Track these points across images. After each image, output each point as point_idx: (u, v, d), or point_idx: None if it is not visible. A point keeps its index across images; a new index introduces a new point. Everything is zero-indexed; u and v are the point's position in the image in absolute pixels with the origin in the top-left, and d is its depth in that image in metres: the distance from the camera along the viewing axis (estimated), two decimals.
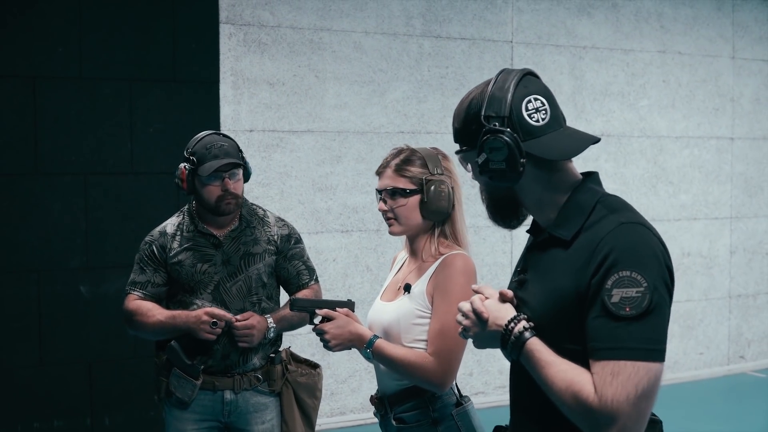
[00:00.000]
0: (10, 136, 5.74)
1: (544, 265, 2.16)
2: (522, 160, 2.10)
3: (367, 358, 3.04)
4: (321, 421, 6.66)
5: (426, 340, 2.96)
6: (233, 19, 6.35)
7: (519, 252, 7.31)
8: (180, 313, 3.63)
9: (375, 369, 3.17)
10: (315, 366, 3.95)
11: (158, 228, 3.84)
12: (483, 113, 2.13)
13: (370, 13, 6.82)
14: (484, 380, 7.34)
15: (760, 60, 8.65)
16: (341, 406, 6.80)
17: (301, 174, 6.58)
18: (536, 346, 2.04)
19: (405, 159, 3.10)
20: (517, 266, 2.33)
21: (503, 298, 2.18)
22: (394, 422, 3.06)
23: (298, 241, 3.93)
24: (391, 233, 3.14)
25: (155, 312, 3.68)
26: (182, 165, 3.71)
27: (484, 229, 7.20)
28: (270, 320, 3.71)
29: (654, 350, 1.91)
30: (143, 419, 6.08)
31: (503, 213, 2.26)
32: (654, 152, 8.01)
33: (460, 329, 2.23)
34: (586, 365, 1.97)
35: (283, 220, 3.94)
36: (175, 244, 3.74)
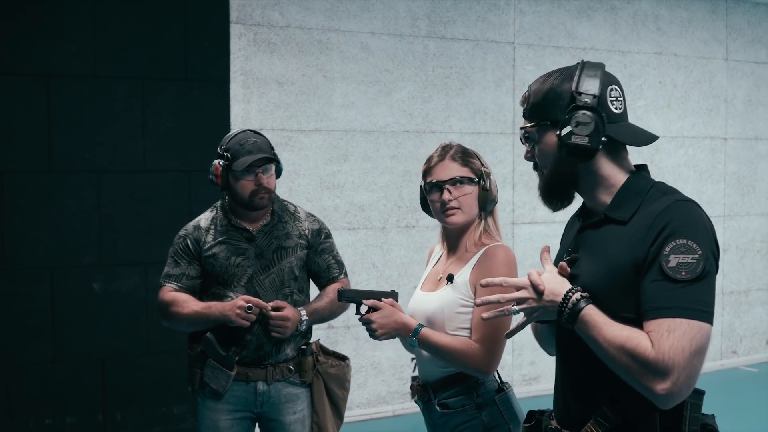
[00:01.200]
0: (25, 134, 5.77)
1: (598, 243, 2.29)
2: (603, 139, 2.23)
3: (412, 345, 3.15)
4: None
5: (469, 328, 3.08)
6: (243, 19, 6.41)
7: (522, 249, 7.42)
8: (215, 304, 3.72)
9: (417, 357, 3.28)
10: (344, 358, 4.05)
11: (192, 222, 3.92)
12: (575, 89, 2.25)
13: (377, 14, 6.89)
14: None
15: (753, 62, 8.80)
16: (348, 402, 6.86)
17: (309, 172, 6.65)
18: (592, 311, 2.16)
19: (464, 151, 3.23)
20: (566, 248, 2.44)
21: (562, 273, 2.30)
22: (438, 408, 3.16)
23: (328, 236, 4.03)
24: (452, 223, 3.22)
25: (190, 303, 3.76)
26: (216, 161, 3.80)
27: None
28: (303, 313, 3.81)
29: (706, 312, 2.05)
30: (155, 415, 6.13)
31: (557, 192, 2.37)
32: (650, 152, 8.12)
33: (513, 305, 2.31)
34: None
35: (313, 216, 4.04)
36: (209, 238, 3.82)
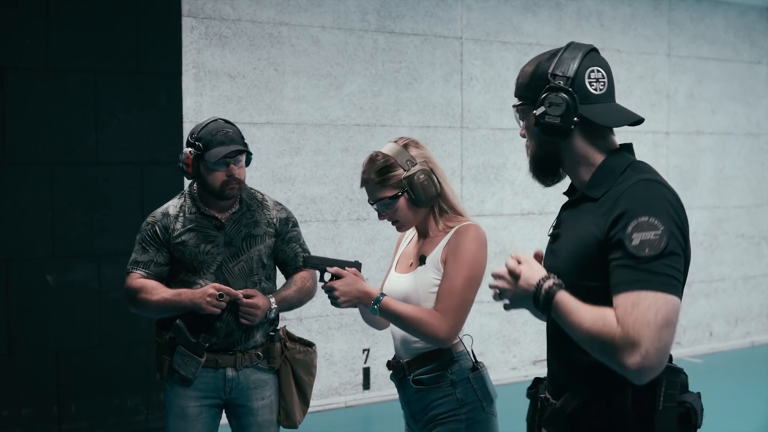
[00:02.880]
0: None
1: (575, 220, 2.39)
2: (575, 119, 2.33)
3: (373, 314, 3.20)
4: None
5: None
6: (195, 12, 6.45)
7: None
8: (185, 291, 3.74)
9: (392, 336, 3.36)
10: (310, 344, 4.09)
11: (160, 209, 3.93)
12: (550, 71, 2.36)
13: (327, 8, 6.97)
14: None
15: (694, 57, 9.00)
16: None
17: (261, 165, 6.70)
18: (564, 297, 2.22)
19: (379, 169, 3.27)
20: (552, 224, 2.53)
21: (535, 257, 2.42)
22: (412, 384, 3.24)
23: (295, 224, 4.07)
24: (399, 232, 3.40)
25: (159, 290, 3.78)
26: (187, 150, 3.81)
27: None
28: (272, 300, 3.85)
29: (671, 284, 2.10)
30: (109, 407, 6.15)
31: (543, 169, 2.48)
32: None
33: (493, 293, 2.41)
34: (604, 301, 2.16)
35: (280, 204, 4.09)
36: (178, 225, 3.84)
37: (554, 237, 2.47)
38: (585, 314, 2.16)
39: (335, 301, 3.21)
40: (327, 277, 3.29)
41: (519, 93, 2.48)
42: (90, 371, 6.10)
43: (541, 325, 8.55)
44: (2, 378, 5.88)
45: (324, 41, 6.98)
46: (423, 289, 3.19)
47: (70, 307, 6.02)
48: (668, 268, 2.10)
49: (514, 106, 2.51)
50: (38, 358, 5.98)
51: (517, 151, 7.84)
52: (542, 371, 8.45)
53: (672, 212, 2.18)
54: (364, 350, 7.20)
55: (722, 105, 9.27)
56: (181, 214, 3.87)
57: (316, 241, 6.96)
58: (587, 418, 2.31)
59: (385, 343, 7.15)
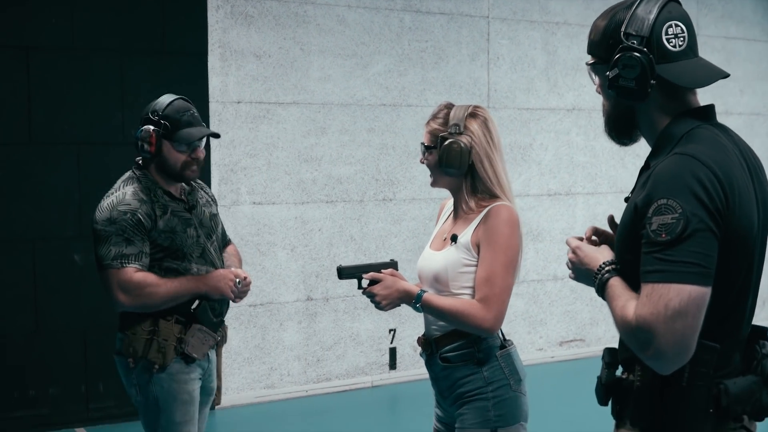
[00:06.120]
0: (4, 107, 5.79)
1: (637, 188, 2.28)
2: (652, 82, 2.18)
3: (417, 311, 3.21)
4: (307, 387, 6.80)
5: (472, 287, 3.14)
6: None
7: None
8: (193, 278, 3.61)
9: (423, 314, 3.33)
10: None
11: (127, 197, 3.57)
12: (623, 29, 2.21)
13: None
14: None
15: (723, 37, 8.90)
16: (327, 372, 6.93)
17: (287, 145, 6.69)
18: (613, 283, 2.22)
19: (434, 115, 3.28)
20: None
21: (612, 223, 2.49)
22: (440, 361, 3.22)
23: None
24: (432, 186, 3.36)
25: (164, 281, 3.55)
26: (150, 128, 3.59)
27: None
28: None
29: (686, 272, 2.01)
30: None
31: (618, 129, 2.38)
32: None
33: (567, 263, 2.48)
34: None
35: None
36: (158, 211, 3.60)
37: (627, 201, 2.37)
38: (620, 302, 2.14)
39: (378, 306, 3.21)
40: (365, 283, 3.27)
41: (591, 50, 2.35)
42: None
43: (567, 306, 8.44)
44: (30, 357, 5.91)
45: (350, 20, 6.95)
46: (452, 268, 3.17)
47: (97, 286, 5.92)
48: (687, 254, 2.01)
49: (587, 63, 2.37)
50: (66, 337, 6.01)
51: (543, 132, 7.80)
52: (568, 352, 8.41)
53: (699, 190, 2.04)
54: (390, 330, 7.18)
55: (751, 85, 9.17)
56: (154, 200, 3.62)
57: (343, 222, 6.95)
58: (615, 390, 2.30)
59: (411, 323, 7.14)
